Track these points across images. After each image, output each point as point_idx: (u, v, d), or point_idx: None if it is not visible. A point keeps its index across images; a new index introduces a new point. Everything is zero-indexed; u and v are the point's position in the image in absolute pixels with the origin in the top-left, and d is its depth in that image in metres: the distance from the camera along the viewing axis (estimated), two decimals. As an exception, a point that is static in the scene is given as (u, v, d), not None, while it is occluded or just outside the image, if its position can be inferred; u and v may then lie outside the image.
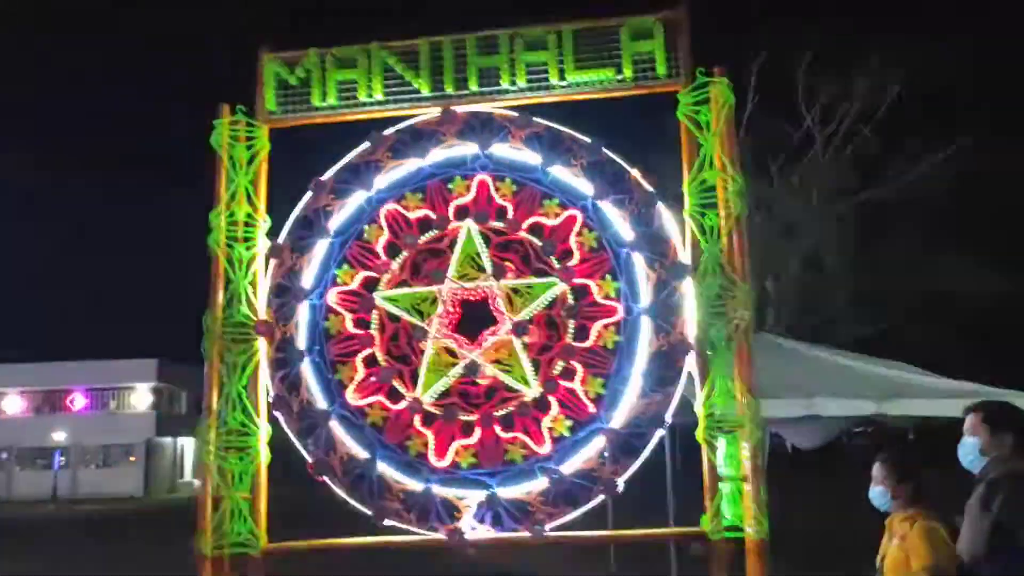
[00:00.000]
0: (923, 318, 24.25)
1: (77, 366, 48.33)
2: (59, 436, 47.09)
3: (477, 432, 7.28)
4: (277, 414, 7.53)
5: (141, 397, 50.99)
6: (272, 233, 7.82)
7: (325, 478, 7.37)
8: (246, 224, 7.75)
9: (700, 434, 6.90)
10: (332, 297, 7.67)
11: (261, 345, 7.58)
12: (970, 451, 4.15)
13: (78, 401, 49.95)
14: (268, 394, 7.58)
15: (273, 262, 7.72)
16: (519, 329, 7.32)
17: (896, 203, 26.12)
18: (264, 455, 7.50)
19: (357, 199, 7.78)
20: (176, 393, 53.03)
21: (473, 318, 7.56)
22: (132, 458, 48.76)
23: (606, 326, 7.30)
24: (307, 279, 7.70)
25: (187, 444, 53.92)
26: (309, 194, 7.79)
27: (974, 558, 3.89)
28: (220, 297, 7.58)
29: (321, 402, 7.52)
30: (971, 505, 3.98)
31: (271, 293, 7.71)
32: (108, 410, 50.17)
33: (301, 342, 7.63)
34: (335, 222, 7.76)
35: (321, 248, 7.74)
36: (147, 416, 51.13)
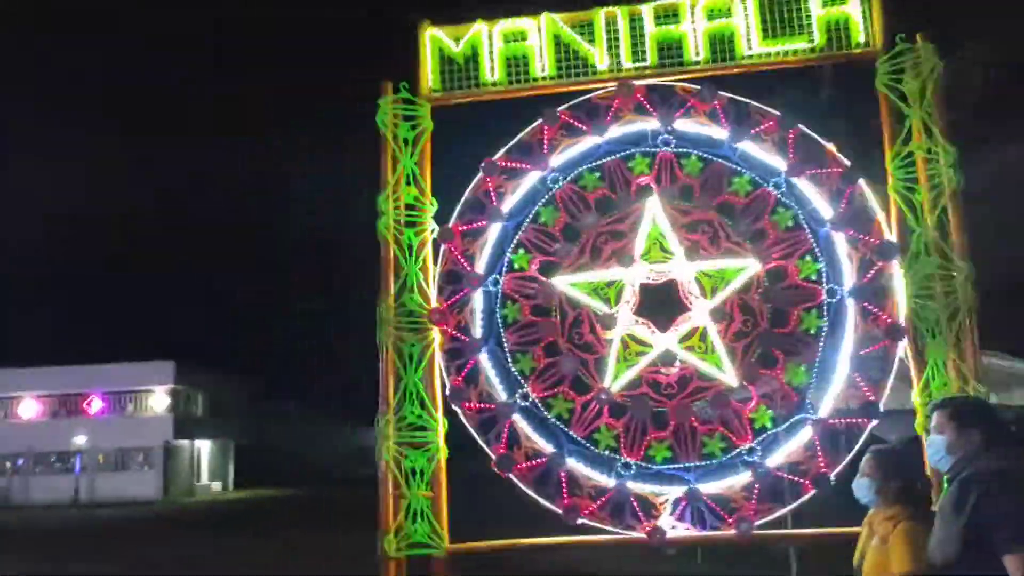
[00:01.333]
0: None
1: (94, 369, 47.74)
2: (77, 440, 46.48)
3: (671, 424, 6.87)
4: (455, 407, 7.10)
5: (158, 400, 50.42)
6: (440, 217, 7.39)
7: (510, 475, 6.94)
8: (413, 208, 7.32)
9: (920, 425, 6.50)
10: (508, 283, 7.24)
11: (435, 335, 7.16)
12: (937, 449, 3.86)
13: (95, 404, 49.34)
14: (444, 386, 7.15)
15: (444, 247, 7.29)
16: (716, 315, 6.91)
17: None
18: (443, 451, 7.06)
19: (530, 179, 7.36)
20: (193, 395, 52.52)
21: (653, 303, 7.15)
22: (146, 464, 48.25)
23: (807, 310, 6.89)
24: (480, 264, 7.28)
25: (204, 447, 53.46)
26: (479, 175, 7.36)
27: (946, 561, 3.54)
28: (391, 285, 7.15)
29: (501, 394, 7.10)
30: (942, 506, 3.63)
31: (443, 280, 7.29)
32: (125, 413, 49.57)
33: (477, 331, 7.21)
34: (508, 204, 7.34)
35: (494, 232, 7.32)
36: (164, 419, 50.54)
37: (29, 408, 48.68)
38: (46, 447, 46.88)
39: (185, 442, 51.05)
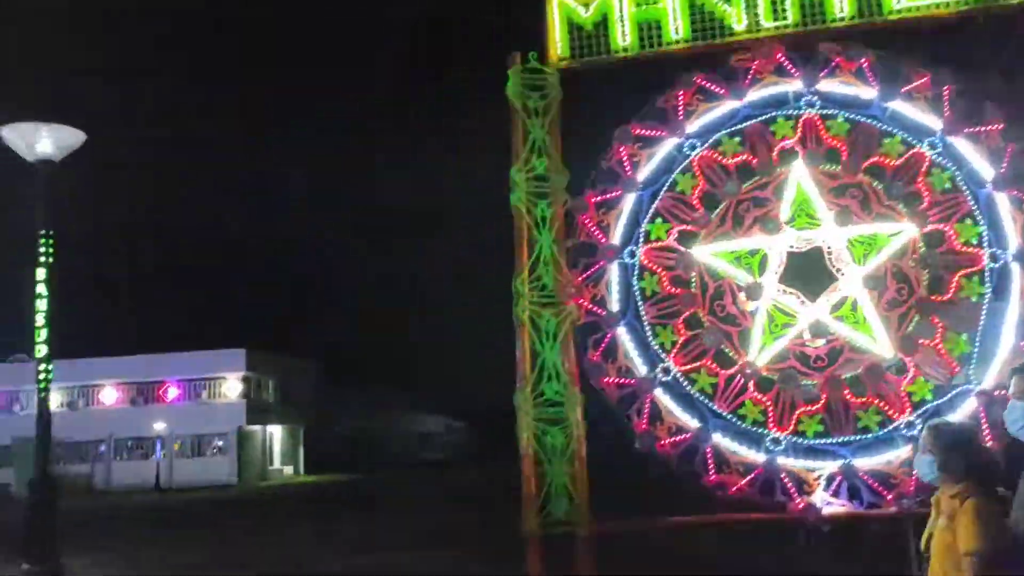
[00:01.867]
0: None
1: (170, 358, 48.84)
2: (156, 426, 47.65)
3: (823, 398, 6.58)
4: (593, 383, 6.91)
5: (231, 387, 51.42)
6: (572, 188, 7.19)
7: (651, 451, 6.73)
8: (545, 179, 7.13)
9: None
10: (644, 254, 7.01)
11: (570, 309, 6.98)
12: (1019, 417, 3.62)
13: (171, 392, 50.51)
14: (582, 361, 6.96)
15: (577, 219, 7.09)
16: (870, 283, 6.59)
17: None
18: (582, 427, 6.89)
19: (666, 147, 7.11)
20: (264, 382, 53.43)
21: (796, 272, 6.86)
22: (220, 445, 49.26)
23: (967, 276, 6.53)
24: (616, 236, 7.07)
25: (275, 432, 54.37)
26: (612, 144, 7.13)
27: None
28: (526, 258, 6.98)
29: (641, 368, 6.89)
30: None
31: (576, 252, 7.09)
32: (200, 400, 50.65)
33: (614, 304, 7.00)
34: (643, 173, 7.11)
35: (629, 202, 7.10)
36: (238, 405, 51.56)
37: (109, 396, 50.09)
38: (126, 433, 48.19)
39: (257, 428, 51.99)
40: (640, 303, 6.97)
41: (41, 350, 7.69)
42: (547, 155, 7.15)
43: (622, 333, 6.95)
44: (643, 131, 7.12)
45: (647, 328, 6.93)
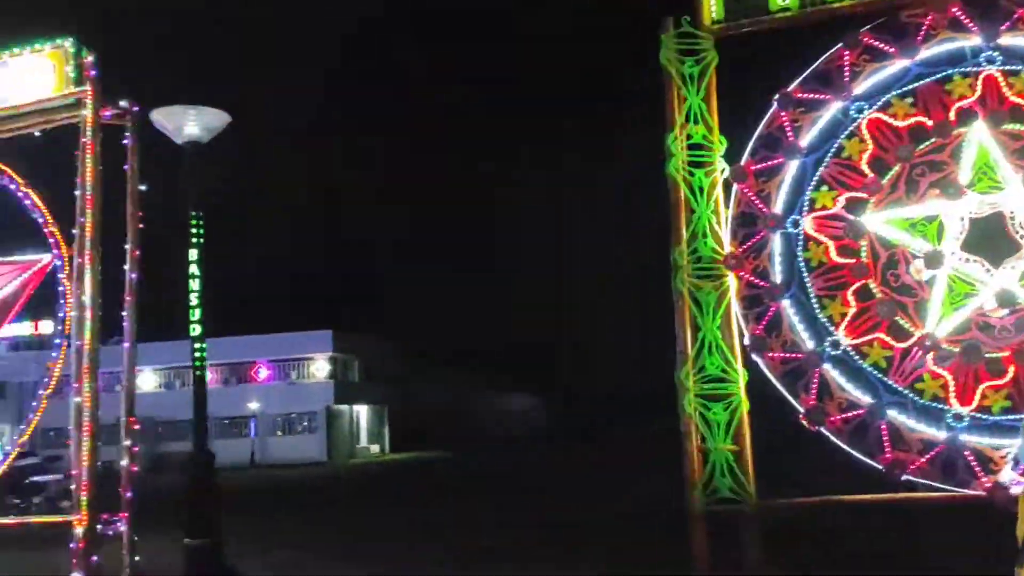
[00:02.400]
0: None
1: (261, 339, 50.02)
2: (250, 405, 48.98)
3: (1010, 371, 6.21)
4: (756, 358, 6.67)
5: (319, 367, 52.48)
6: (730, 156, 6.93)
7: (821, 428, 6.46)
8: (701, 148, 6.88)
9: None
10: (809, 224, 6.72)
11: (731, 281, 6.74)
12: None
13: (262, 372, 51.80)
14: (743, 335, 6.72)
15: (737, 187, 6.83)
16: (1061, 248, 6.18)
17: None
18: (745, 403, 6.66)
19: (830, 110, 6.78)
20: (350, 362, 54.39)
21: (975, 238, 6.46)
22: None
23: None
24: (778, 204, 6.78)
25: (362, 411, 55.33)
26: (772, 108, 6.83)
27: None
28: (683, 230, 6.77)
29: (808, 342, 6.62)
30: None
31: (736, 223, 6.84)
32: (290, 380, 51.84)
33: (777, 276, 6.73)
34: (806, 138, 6.79)
35: (791, 169, 6.80)
36: (326, 385, 52.64)
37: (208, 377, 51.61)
38: (221, 413, 49.64)
39: (345, 407, 53.01)
40: (805, 274, 6.68)
41: (195, 329, 7.82)
42: (703, 122, 6.89)
43: (786, 306, 6.68)
44: (805, 95, 6.80)
45: (813, 300, 6.64)
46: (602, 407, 73.10)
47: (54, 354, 8.01)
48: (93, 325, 7.67)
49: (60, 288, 8.03)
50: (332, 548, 11.85)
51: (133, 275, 8.08)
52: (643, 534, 10.33)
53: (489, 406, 74.20)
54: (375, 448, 55.60)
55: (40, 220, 8.16)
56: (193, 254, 7.79)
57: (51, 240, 8.11)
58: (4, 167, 8.29)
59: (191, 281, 7.78)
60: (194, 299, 7.76)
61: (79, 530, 7.45)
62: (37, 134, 8.43)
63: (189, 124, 7.82)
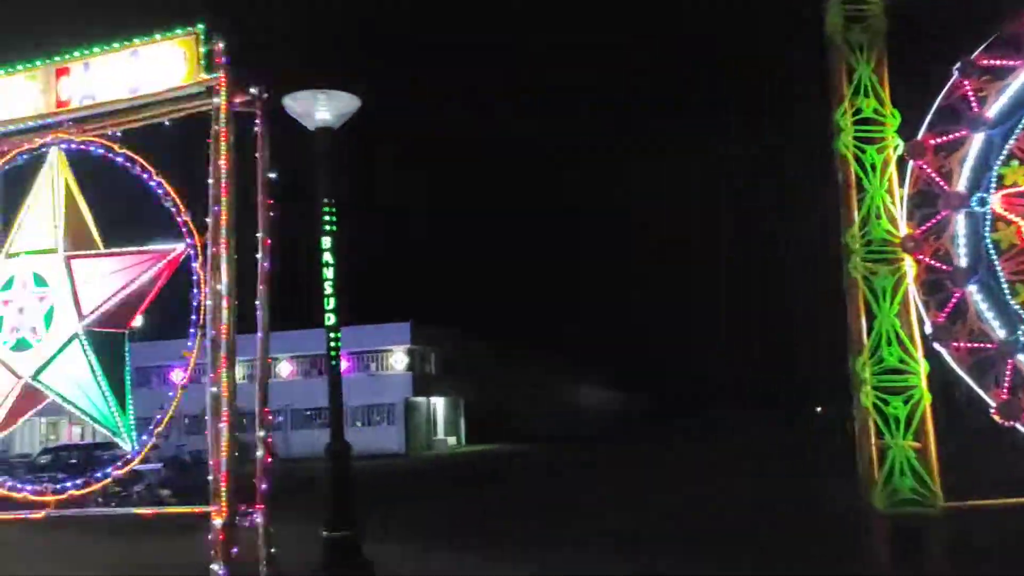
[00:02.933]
0: None
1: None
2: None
3: None
4: (939, 348, 6.15)
5: (398, 359, 52.85)
6: (904, 131, 6.42)
7: (1016, 424, 5.92)
8: (872, 123, 6.39)
9: None
10: (997, 202, 6.17)
11: (908, 266, 6.23)
12: None
13: (342, 365, 52.20)
14: (923, 324, 6.22)
15: (913, 164, 6.32)
16: None
17: None
18: (926, 396, 6.16)
19: (1020, 78, 6.21)
20: (427, 354, 54.64)
21: None
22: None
23: None
24: (960, 182, 6.25)
25: (439, 403, 55.61)
26: (953, 78, 6.29)
27: None
28: (855, 211, 6.29)
29: (998, 331, 6.09)
30: None
31: (913, 202, 6.33)
32: (370, 372, 52.30)
33: (961, 260, 6.21)
34: (993, 109, 6.25)
35: (976, 143, 6.27)
36: (404, 377, 53.01)
37: (285, 369, 52.50)
38: (302, 404, 50.40)
39: (422, 399, 53.32)
40: (994, 257, 6.14)
41: (330, 318, 7.66)
42: (874, 95, 6.40)
43: (973, 292, 6.16)
44: (991, 61, 6.25)
45: (1004, 285, 6.10)
46: (688, 401, 72.03)
47: (189, 344, 7.92)
48: (230, 314, 7.57)
49: (194, 277, 7.95)
50: (461, 538, 11.67)
51: (266, 264, 7.95)
52: (815, 538, 9.42)
53: (568, 398, 73.90)
54: (452, 440, 55.81)
55: (173, 209, 8.08)
56: (326, 242, 7.61)
57: (184, 229, 8.02)
58: (136, 156, 8.24)
59: (325, 269, 7.61)
60: (328, 288, 7.59)
61: (218, 522, 7.37)
62: (167, 123, 8.39)
63: (320, 109, 7.65)
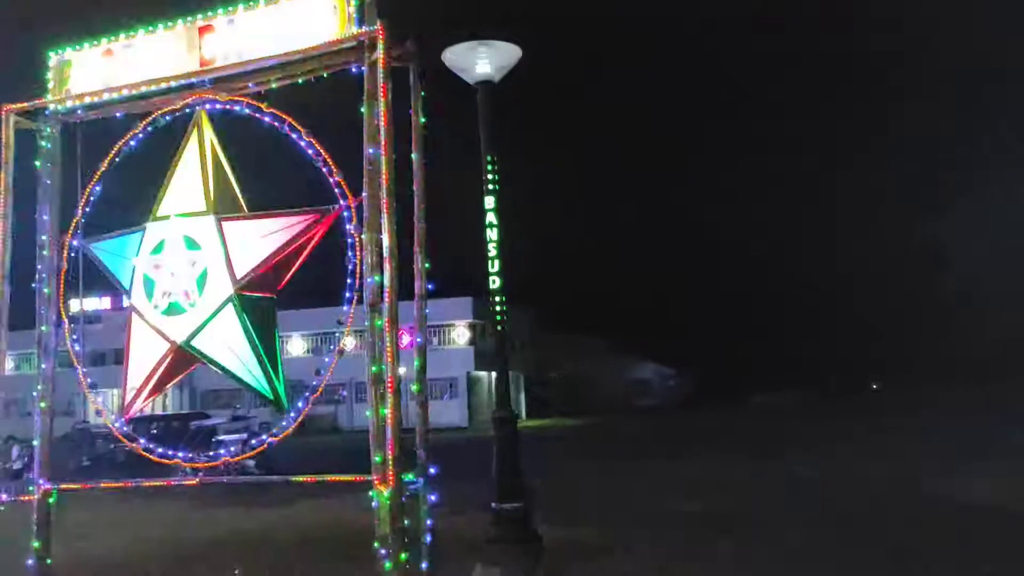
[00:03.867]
0: None
1: (402, 306, 50.52)
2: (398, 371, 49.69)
3: None
4: None
5: (460, 333, 52.93)
6: None
7: None
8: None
9: None
10: None
11: None
12: None
13: (404, 339, 52.35)
14: None
15: None
16: None
17: None
18: None
19: None
20: (488, 329, 54.57)
21: None
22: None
23: None
24: None
25: (499, 378, 55.56)
26: None
27: None
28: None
29: None
30: None
31: None
32: (432, 346, 52.39)
33: None
34: None
35: None
36: (466, 351, 53.10)
37: (348, 343, 52.77)
38: (363, 378, 50.69)
39: (484, 373, 53.38)
40: None
41: (495, 282, 7.37)
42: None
43: None
44: None
45: None
46: (741, 380, 71.35)
47: (345, 308, 7.70)
48: (391, 278, 7.31)
49: (349, 240, 7.69)
50: (607, 516, 11.41)
51: (421, 225, 7.67)
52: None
53: (625, 375, 73.52)
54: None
55: (325, 170, 7.82)
56: (489, 202, 7.32)
57: (337, 190, 7.76)
58: (285, 116, 7.98)
59: (488, 231, 7.31)
60: (492, 249, 7.30)
61: (384, 491, 7.14)
62: (313, 80, 8.11)
63: (480, 62, 7.31)
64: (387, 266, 7.30)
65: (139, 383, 8.26)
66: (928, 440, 21.69)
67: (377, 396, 7.33)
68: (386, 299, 7.29)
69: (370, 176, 7.50)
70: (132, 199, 9.34)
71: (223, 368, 7.96)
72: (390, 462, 7.12)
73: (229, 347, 7.90)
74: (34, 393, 8.73)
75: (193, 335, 7.95)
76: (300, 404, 7.81)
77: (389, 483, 7.08)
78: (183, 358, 8.16)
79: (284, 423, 7.82)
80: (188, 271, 7.99)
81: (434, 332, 53.00)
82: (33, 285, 8.96)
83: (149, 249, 8.19)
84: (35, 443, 8.61)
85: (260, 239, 7.92)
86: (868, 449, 20.20)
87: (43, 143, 9.07)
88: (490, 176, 7.29)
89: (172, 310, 8.01)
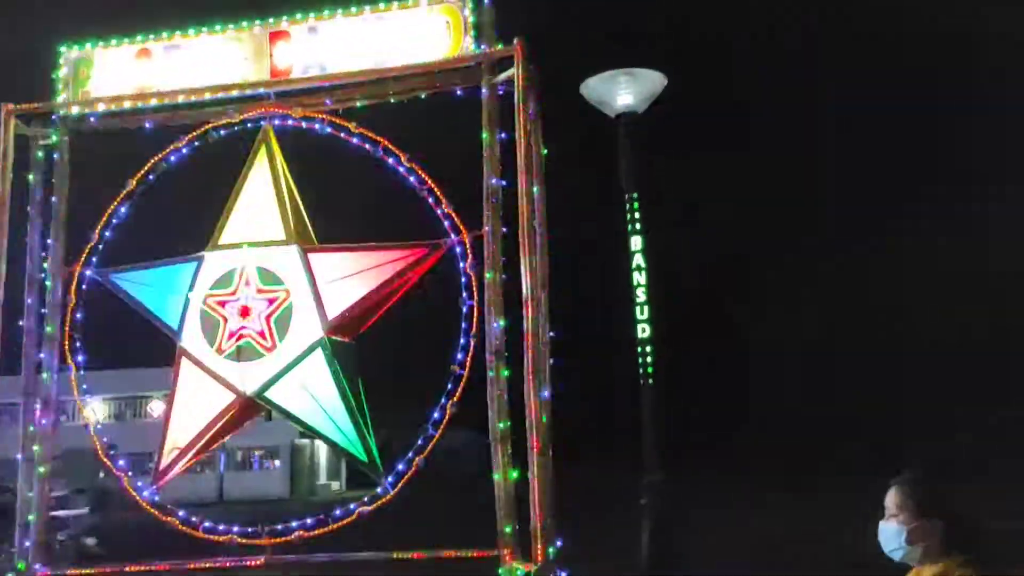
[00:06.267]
0: None
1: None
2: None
3: None
4: None
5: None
6: None
7: None
8: None
9: None
10: None
11: None
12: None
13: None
14: None
15: None
16: None
17: None
18: None
19: None
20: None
21: None
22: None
23: None
24: None
25: (321, 447, 53.13)
26: None
27: None
28: None
29: None
30: None
31: None
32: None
33: None
34: None
35: None
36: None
37: (159, 408, 48.44)
38: (233, 443, 46.73)
39: (306, 441, 50.64)
40: None
41: (644, 330, 6.75)
42: None
43: None
44: None
45: None
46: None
47: (459, 355, 6.78)
48: (534, 320, 6.54)
49: (463, 279, 6.85)
50: None
51: (543, 260, 7.00)
52: None
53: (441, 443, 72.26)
54: (336, 485, 53.38)
55: (431, 200, 6.97)
56: (636, 242, 6.78)
57: (446, 223, 6.92)
58: (379, 138, 7.08)
59: (635, 274, 6.76)
60: (641, 295, 6.74)
61: (517, 568, 6.21)
62: (392, 101, 7.29)
63: (622, 92, 6.88)
64: (527, 309, 6.51)
65: (186, 442, 6.84)
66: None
67: (505, 457, 6.40)
68: (528, 347, 6.47)
69: (493, 208, 6.78)
70: (147, 223, 7.93)
71: (306, 424, 6.77)
72: (537, 533, 6.21)
73: (315, 399, 6.73)
74: (18, 455, 7.07)
75: (269, 384, 6.71)
76: (401, 467, 6.73)
77: (537, 557, 6.17)
78: (247, 412, 6.88)
79: (379, 489, 6.70)
80: (264, 309, 6.78)
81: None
82: (21, 323, 7.31)
83: (210, 282, 6.88)
84: (30, 519, 6.89)
85: (353, 275, 6.88)
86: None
87: (39, 153, 7.52)
88: (629, 216, 6.80)
89: (242, 355, 6.74)
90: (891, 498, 2.88)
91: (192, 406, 6.81)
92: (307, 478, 50.97)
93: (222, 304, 6.82)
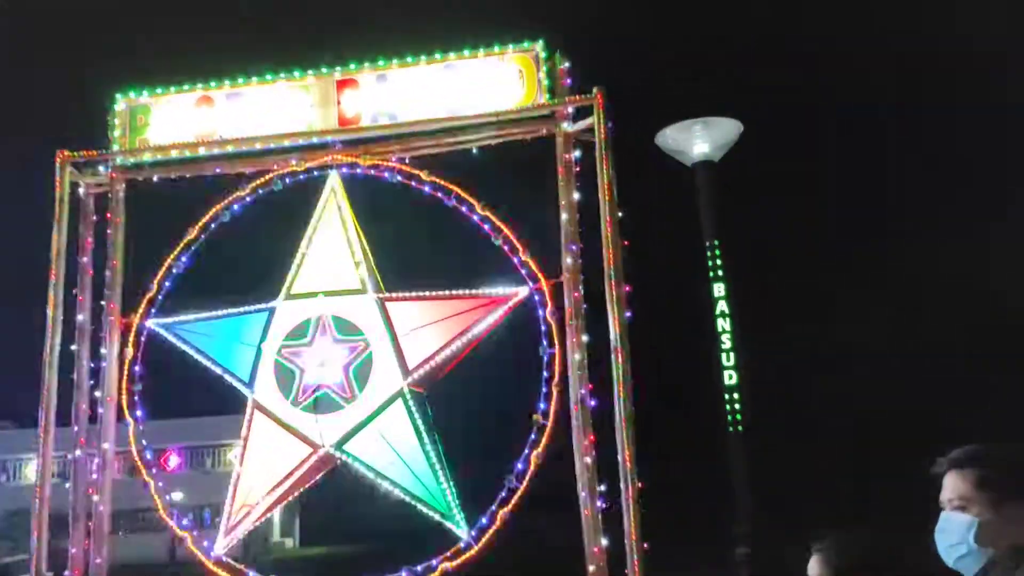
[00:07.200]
0: None
1: (177, 423, 45.97)
2: (174, 496, 44.32)
3: None
4: None
5: (237, 455, 48.48)
6: None
7: None
8: None
9: None
10: None
11: None
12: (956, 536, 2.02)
13: (173, 461, 47.40)
14: None
15: None
16: None
17: None
18: None
19: None
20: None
21: None
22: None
23: None
24: None
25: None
26: None
27: None
28: None
29: None
30: None
31: None
32: (204, 468, 47.74)
33: None
34: None
35: None
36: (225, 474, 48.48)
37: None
38: (129, 505, 44.77)
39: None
40: None
41: (731, 377, 6.71)
42: None
43: None
44: None
45: None
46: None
47: (542, 406, 6.67)
48: (621, 369, 6.47)
49: (542, 327, 6.77)
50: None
51: (627, 314, 6.96)
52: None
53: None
54: (289, 542, 51.70)
55: (505, 247, 6.92)
56: (719, 289, 6.80)
57: (522, 271, 6.87)
58: (452, 187, 7.04)
59: (719, 320, 6.77)
60: (726, 341, 6.73)
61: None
62: (474, 151, 7.28)
63: (697, 141, 6.97)
64: (617, 358, 6.45)
65: (258, 497, 6.56)
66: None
67: (595, 521, 6.28)
68: (618, 393, 6.39)
69: (574, 256, 6.77)
70: (201, 272, 7.67)
71: (386, 477, 6.55)
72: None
73: (394, 451, 6.53)
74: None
75: (348, 437, 6.51)
76: (484, 520, 6.55)
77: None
78: (322, 466, 6.63)
79: (462, 544, 6.50)
80: (343, 359, 6.60)
81: (208, 452, 48.33)
82: (72, 376, 7.01)
83: (284, 332, 6.68)
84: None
85: (431, 325, 6.76)
86: None
87: (88, 200, 7.27)
88: (710, 263, 6.83)
89: (320, 407, 6.53)
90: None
91: (265, 460, 6.56)
92: (261, 536, 49.32)
93: (297, 354, 6.62)
